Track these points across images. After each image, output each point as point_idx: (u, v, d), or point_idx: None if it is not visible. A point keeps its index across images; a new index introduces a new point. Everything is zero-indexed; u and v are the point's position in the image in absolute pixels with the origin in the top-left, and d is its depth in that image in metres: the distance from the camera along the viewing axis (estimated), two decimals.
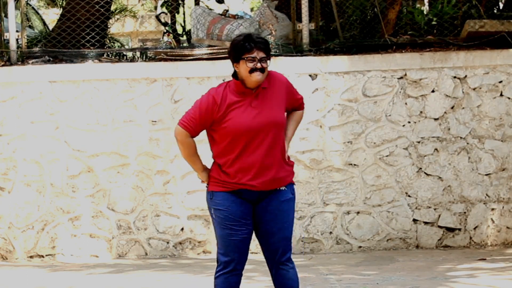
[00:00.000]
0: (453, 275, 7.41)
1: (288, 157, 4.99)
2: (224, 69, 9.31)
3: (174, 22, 11.17)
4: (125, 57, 10.08)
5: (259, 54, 4.83)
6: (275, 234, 4.89)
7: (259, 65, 4.81)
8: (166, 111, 9.33)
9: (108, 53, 9.99)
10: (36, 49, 9.90)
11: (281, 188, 4.91)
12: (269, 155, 4.84)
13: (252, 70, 4.81)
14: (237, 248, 4.88)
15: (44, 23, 13.09)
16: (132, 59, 9.96)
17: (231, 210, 4.87)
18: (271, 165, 4.85)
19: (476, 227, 9.28)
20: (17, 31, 9.73)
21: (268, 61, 4.87)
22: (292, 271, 4.98)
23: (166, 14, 11.35)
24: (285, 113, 4.99)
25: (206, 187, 4.98)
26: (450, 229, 9.28)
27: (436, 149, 9.28)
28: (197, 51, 9.56)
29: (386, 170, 9.25)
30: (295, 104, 5.06)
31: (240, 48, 4.84)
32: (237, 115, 4.82)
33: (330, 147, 9.24)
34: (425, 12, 10.39)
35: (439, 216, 9.27)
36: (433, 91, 9.31)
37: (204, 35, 9.96)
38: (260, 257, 8.52)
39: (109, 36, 10.87)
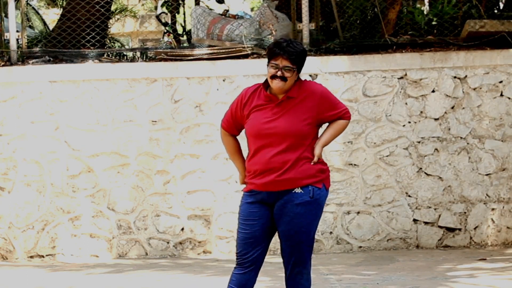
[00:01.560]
0: (453, 275, 7.41)
1: (321, 161, 4.93)
2: (224, 69, 9.32)
3: (174, 22, 11.16)
4: (125, 57, 10.08)
5: (283, 62, 4.83)
6: (292, 238, 4.88)
7: (279, 73, 4.83)
8: (166, 111, 9.33)
9: (108, 53, 9.99)
10: (36, 49, 9.90)
11: (295, 191, 4.85)
12: (278, 160, 4.84)
13: (273, 77, 4.85)
14: (241, 244, 4.94)
15: (44, 23, 13.09)
16: (132, 59, 9.96)
17: (242, 210, 4.97)
18: (279, 168, 4.83)
19: (476, 227, 9.28)
20: (17, 31, 9.73)
21: (293, 71, 4.85)
22: (306, 276, 4.96)
23: (166, 14, 11.35)
24: (315, 125, 4.92)
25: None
26: (450, 229, 9.28)
27: (436, 149, 9.28)
28: (197, 51, 9.55)
29: (386, 170, 9.25)
30: (329, 118, 4.95)
31: (269, 53, 4.90)
32: (255, 117, 4.89)
33: (330, 147, 9.22)
34: (425, 12, 10.39)
35: (439, 216, 9.27)
36: (433, 91, 9.30)
37: (204, 35, 9.96)
38: None
39: (109, 36, 10.88)
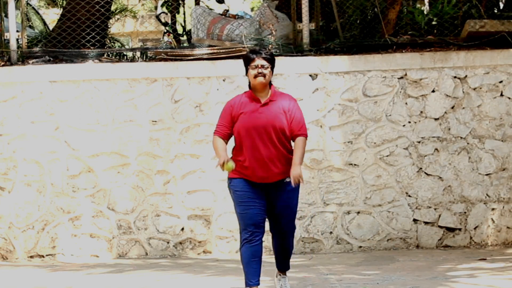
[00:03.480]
0: (453, 275, 7.41)
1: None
2: (224, 69, 9.32)
3: (174, 22, 11.16)
4: (125, 57, 10.08)
5: (261, 62, 6.00)
6: (285, 217, 6.11)
7: (260, 70, 5.97)
8: (166, 111, 9.33)
9: (109, 53, 9.99)
10: (36, 49, 9.90)
11: (286, 180, 6.02)
12: (270, 154, 5.96)
13: (255, 76, 5.98)
14: (251, 220, 5.96)
15: (45, 23, 13.09)
16: (132, 59, 9.96)
17: (244, 191, 6.01)
18: (270, 163, 5.96)
19: (477, 227, 9.28)
20: (17, 31, 9.73)
21: (268, 68, 6.00)
22: (292, 242, 6.23)
23: (166, 14, 11.35)
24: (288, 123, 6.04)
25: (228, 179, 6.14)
26: (450, 229, 9.29)
27: (436, 149, 9.28)
28: (197, 51, 9.55)
29: (386, 170, 9.25)
30: (292, 129, 6.03)
31: (247, 59, 6.06)
32: (245, 117, 5.98)
33: (331, 147, 9.24)
34: (425, 12, 10.39)
35: (439, 216, 9.27)
36: (433, 91, 9.31)
37: (204, 35, 9.96)
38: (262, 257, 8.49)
39: (110, 36, 10.87)
